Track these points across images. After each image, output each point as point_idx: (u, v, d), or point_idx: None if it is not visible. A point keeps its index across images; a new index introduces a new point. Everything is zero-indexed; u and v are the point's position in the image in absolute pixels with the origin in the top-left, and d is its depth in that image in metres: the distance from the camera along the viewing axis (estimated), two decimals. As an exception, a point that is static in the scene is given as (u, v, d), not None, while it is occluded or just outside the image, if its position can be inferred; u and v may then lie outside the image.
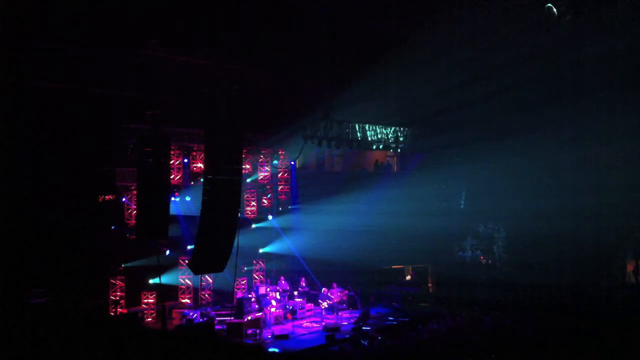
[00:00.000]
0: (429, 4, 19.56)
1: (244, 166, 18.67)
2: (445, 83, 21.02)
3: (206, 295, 20.54)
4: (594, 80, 20.28)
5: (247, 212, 21.67)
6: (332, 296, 20.01)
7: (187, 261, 18.75)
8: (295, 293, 20.53)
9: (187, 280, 20.01)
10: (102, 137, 17.76)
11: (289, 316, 19.37)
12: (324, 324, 18.73)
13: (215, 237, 16.24)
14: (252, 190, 21.84)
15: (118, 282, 18.89)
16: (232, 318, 18.17)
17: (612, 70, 20.32)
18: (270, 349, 16.13)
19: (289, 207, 22.90)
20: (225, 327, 17.81)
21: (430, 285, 23.73)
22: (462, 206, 24.92)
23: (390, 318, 20.12)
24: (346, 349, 15.28)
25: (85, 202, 18.61)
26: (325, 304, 19.84)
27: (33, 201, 17.22)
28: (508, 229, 23.71)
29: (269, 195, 22.43)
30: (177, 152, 19.72)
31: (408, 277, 24.13)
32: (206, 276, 20.19)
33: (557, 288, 19.97)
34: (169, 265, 19.62)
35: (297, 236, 22.26)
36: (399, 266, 24.31)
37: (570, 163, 21.70)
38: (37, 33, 16.24)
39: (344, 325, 18.81)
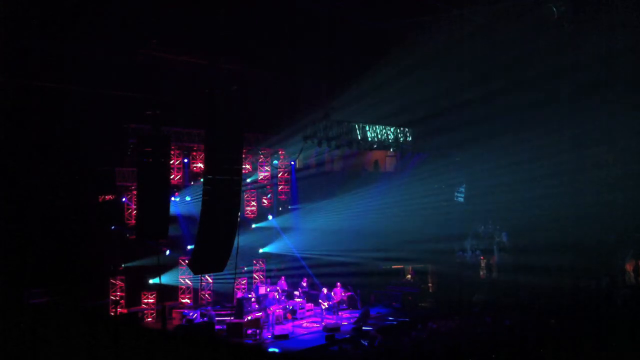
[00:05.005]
0: (429, 4, 19.56)
1: (244, 166, 18.68)
2: (445, 83, 21.02)
3: (206, 295, 20.54)
4: (594, 80, 20.27)
5: (247, 212, 21.68)
6: (335, 295, 20.01)
7: (187, 261, 18.76)
8: (296, 293, 20.52)
9: (187, 280, 20.01)
10: (102, 137, 17.76)
11: (289, 316, 19.38)
12: (324, 324, 18.73)
13: (215, 237, 16.24)
14: (252, 190, 21.85)
15: (118, 282, 18.89)
16: (232, 318, 18.19)
17: (612, 70, 20.31)
18: (270, 349, 16.13)
19: (289, 207, 22.91)
20: (225, 327, 17.82)
21: (430, 285, 23.71)
22: (462, 200, 24.84)
23: (390, 318, 20.12)
24: (346, 349, 15.29)
25: (85, 202, 18.61)
26: (325, 304, 19.84)
27: (33, 201, 17.23)
28: (508, 229, 23.70)
29: (269, 195, 22.44)
30: (177, 152, 19.73)
31: (408, 277, 24.12)
32: (206, 276, 20.19)
33: (557, 288, 19.95)
34: (169, 265, 19.62)
35: (297, 236, 22.26)
36: (399, 266, 24.29)
37: (570, 163, 21.68)
38: (37, 33, 16.25)
39: (344, 325, 18.80)
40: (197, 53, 18.69)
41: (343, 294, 20.59)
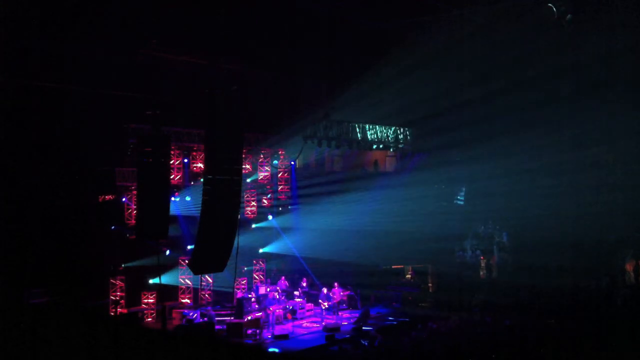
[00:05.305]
0: (429, 4, 19.56)
1: (244, 166, 18.68)
2: (445, 83, 21.01)
3: (206, 295, 20.54)
4: (594, 80, 20.26)
5: (247, 212, 21.67)
6: (334, 296, 20.00)
7: (187, 261, 18.76)
8: (296, 293, 20.52)
9: (187, 280, 20.01)
10: (102, 137, 17.76)
11: (289, 316, 19.39)
12: (324, 324, 18.73)
13: (215, 237, 16.24)
14: (252, 190, 21.84)
15: (118, 282, 18.89)
16: (232, 318, 18.19)
17: (612, 70, 20.30)
18: (270, 349, 16.13)
19: (289, 207, 22.90)
20: (225, 327, 17.82)
21: (430, 285, 23.71)
22: (462, 203, 24.90)
23: (390, 318, 20.12)
24: (346, 349, 15.28)
25: (85, 202, 18.62)
26: (325, 304, 19.84)
27: (33, 201, 17.23)
28: (508, 229, 23.70)
29: (269, 195, 22.43)
30: (177, 152, 19.73)
31: (408, 277, 24.13)
32: (206, 276, 20.19)
33: (557, 288, 19.95)
34: (169, 265, 19.63)
35: (297, 236, 22.26)
36: (399, 266, 24.29)
37: (570, 163, 21.68)
38: (37, 33, 16.25)
39: (344, 325, 18.81)
40: (197, 53, 18.69)
41: (342, 294, 20.58)
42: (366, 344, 15.78)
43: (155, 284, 19.30)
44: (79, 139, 17.64)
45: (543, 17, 19.15)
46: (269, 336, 17.62)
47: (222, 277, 19.19)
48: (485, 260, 23.74)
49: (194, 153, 20.17)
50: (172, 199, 18.72)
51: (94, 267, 18.25)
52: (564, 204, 21.19)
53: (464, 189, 24.79)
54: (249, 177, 21.33)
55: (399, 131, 22.70)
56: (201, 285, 20.40)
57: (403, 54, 20.05)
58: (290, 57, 20.81)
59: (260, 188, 22.12)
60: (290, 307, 19.68)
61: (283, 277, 21.15)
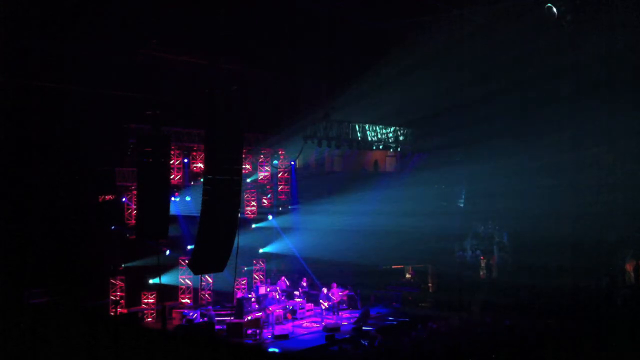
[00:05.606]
0: (429, 4, 19.56)
1: (244, 166, 18.68)
2: (445, 83, 21.01)
3: (206, 295, 20.54)
4: (594, 80, 20.27)
5: (247, 212, 21.67)
6: (333, 297, 19.98)
7: (187, 261, 18.76)
8: (296, 293, 20.52)
9: (187, 280, 20.01)
10: (102, 137, 17.77)
11: (289, 316, 19.39)
12: (324, 324, 18.73)
13: (215, 237, 16.24)
14: (252, 190, 21.84)
15: (118, 282, 18.89)
16: (232, 318, 18.19)
17: (612, 70, 20.31)
18: (270, 349, 16.13)
19: (289, 207, 22.90)
20: (225, 327, 17.82)
21: (430, 285, 23.72)
22: (462, 205, 24.95)
23: (390, 318, 20.12)
24: (346, 349, 15.28)
25: (85, 202, 18.62)
26: (325, 304, 19.83)
27: (33, 201, 17.23)
28: (508, 229, 23.70)
29: (269, 195, 22.43)
30: (177, 152, 19.73)
31: (408, 277, 24.13)
32: (206, 276, 20.19)
33: (557, 288, 19.97)
34: (169, 265, 19.63)
35: (297, 236, 22.26)
36: (399, 266, 24.30)
37: (570, 163, 21.69)
38: (37, 33, 16.25)
39: (344, 325, 18.81)
40: (197, 53, 18.69)
41: (341, 293, 20.57)
42: (366, 344, 15.78)
43: (155, 284, 19.30)
44: (79, 139, 17.64)
45: (543, 17, 19.15)
46: (269, 336, 17.62)
47: (222, 277, 19.18)
48: (485, 260, 23.75)
49: (194, 153, 20.18)
50: (172, 199, 18.72)
51: (94, 267, 18.25)
52: (564, 204, 21.20)
53: (464, 190, 24.79)
54: (249, 177, 21.33)
55: (399, 131, 22.71)
56: (201, 285, 20.40)
57: (403, 54, 20.04)
58: (290, 57, 20.80)
59: (260, 188, 22.13)
60: (290, 307, 19.68)
61: (283, 277, 21.14)
